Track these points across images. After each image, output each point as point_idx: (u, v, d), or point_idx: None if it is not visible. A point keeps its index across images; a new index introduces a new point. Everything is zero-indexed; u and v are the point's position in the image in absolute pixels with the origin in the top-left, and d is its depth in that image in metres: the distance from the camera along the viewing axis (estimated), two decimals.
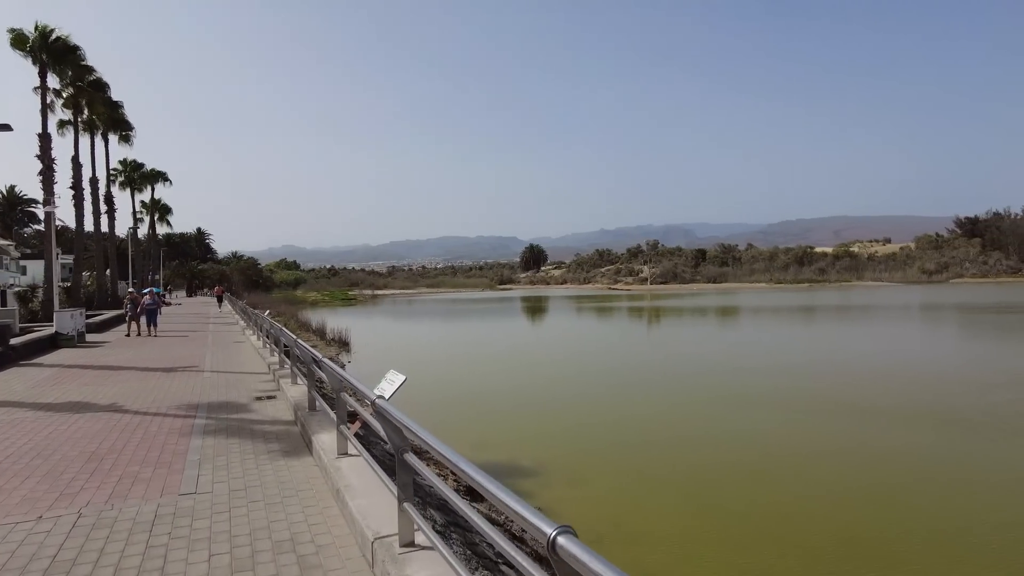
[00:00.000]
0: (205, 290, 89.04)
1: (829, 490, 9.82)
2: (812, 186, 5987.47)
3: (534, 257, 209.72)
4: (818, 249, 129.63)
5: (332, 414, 6.36)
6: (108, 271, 42.68)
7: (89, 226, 37.91)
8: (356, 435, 5.81)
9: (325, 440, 6.46)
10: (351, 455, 5.89)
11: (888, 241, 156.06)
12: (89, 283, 40.02)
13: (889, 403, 15.66)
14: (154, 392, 10.78)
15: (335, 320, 39.04)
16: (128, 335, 22.30)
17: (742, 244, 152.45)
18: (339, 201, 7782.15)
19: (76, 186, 34.98)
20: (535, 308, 68.17)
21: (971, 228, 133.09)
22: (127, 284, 64.03)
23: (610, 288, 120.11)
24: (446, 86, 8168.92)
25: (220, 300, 45.56)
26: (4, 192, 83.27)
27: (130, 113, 44.22)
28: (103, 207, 40.93)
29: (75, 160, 35.29)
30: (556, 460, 11.44)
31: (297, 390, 9.73)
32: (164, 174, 62.07)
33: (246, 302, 37.51)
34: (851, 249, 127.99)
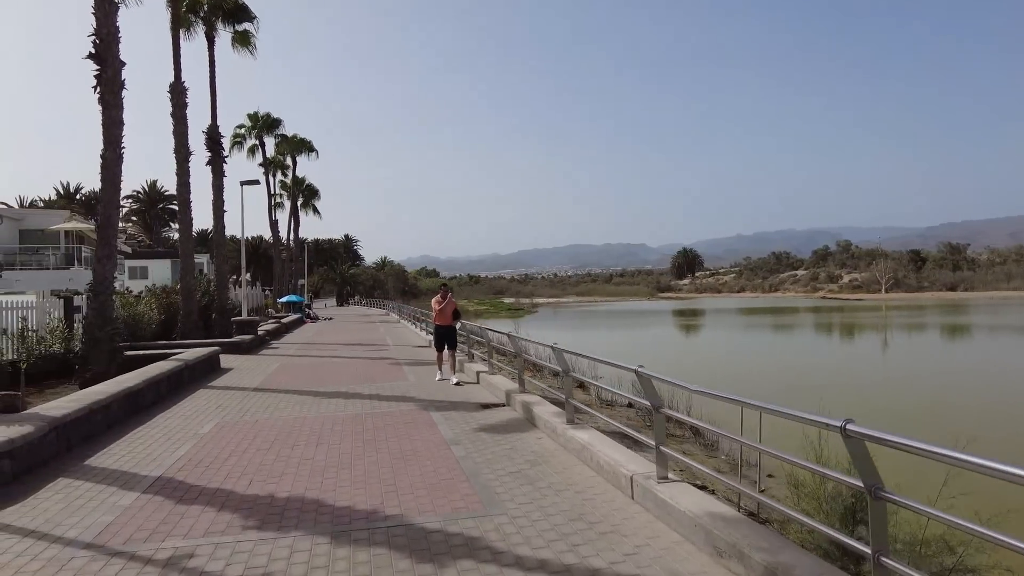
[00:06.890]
0: (357, 298, 77.63)
1: None
2: (980, 183, 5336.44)
3: (688, 262, 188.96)
4: None
5: None
6: (241, 277, 28.35)
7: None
8: None
9: None
10: None
11: None
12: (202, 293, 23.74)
13: None
14: None
15: (564, 340, 22.07)
16: None
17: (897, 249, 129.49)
18: (466, 213, 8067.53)
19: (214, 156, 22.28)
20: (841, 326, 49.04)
21: None
22: (266, 291, 52.23)
23: (822, 297, 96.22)
24: (552, 94, 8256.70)
25: (451, 334, 12.55)
26: (146, 187, 77.13)
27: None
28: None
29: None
30: None
31: None
32: (308, 143, 47.38)
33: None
34: None
